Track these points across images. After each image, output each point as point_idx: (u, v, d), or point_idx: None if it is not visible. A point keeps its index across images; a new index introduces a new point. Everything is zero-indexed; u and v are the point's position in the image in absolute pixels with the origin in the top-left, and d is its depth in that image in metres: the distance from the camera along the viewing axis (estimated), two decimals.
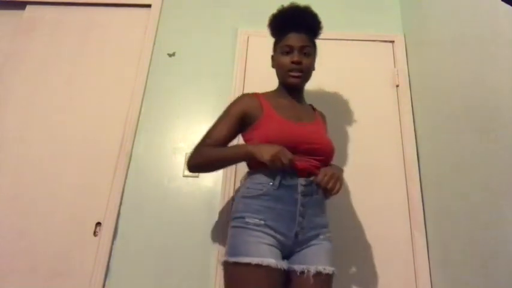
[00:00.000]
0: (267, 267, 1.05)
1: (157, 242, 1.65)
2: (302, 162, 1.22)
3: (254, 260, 1.06)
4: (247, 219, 1.16)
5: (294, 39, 1.35)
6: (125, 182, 1.75)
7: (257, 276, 1.05)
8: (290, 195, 1.20)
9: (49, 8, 2.19)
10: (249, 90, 1.88)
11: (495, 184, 1.10)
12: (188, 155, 1.33)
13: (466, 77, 1.32)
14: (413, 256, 1.59)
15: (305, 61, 1.34)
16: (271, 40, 1.71)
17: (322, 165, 1.27)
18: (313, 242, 1.19)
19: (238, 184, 1.73)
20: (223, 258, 1.15)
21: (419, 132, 1.75)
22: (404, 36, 2.00)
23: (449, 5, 1.51)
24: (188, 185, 1.75)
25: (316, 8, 1.96)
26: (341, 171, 1.35)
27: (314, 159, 1.25)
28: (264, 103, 1.32)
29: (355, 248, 1.62)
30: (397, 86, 1.89)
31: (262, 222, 1.14)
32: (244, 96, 1.38)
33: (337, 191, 1.20)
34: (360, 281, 1.58)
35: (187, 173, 1.77)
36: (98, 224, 1.70)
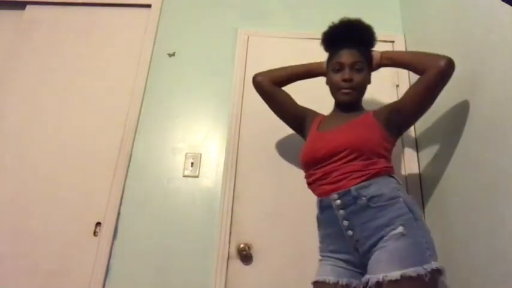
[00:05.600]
0: (323, 283, 1.16)
1: (157, 242, 1.65)
2: (320, 188, 1.24)
3: (315, 278, 1.20)
4: (319, 246, 1.28)
5: (345, 56, 1.32)
6: (124, 182, 1.75)
7: None
8: (331, 215, 1.19)
9: (49, 8, 2.19)
10: (249, 90, 1.88)
11: (495, 184, 1.10)
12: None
13: (466, 77, 1.32)
14: None
15: (356, 78, 1.31)
16: (271, 40, 1.73)
17: (351, 162, 1.18)
18: (376, 247, 1.09)
19: (238, 184, 1.73)
20: None
21: (419, 132, 1.75)
22: (404, 36, 2.00)
23: (449, 5, 1.51)
24: (188, 185, 1.75)
25: (316, 8, 1.97)
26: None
27: (336, 162, 1.21)
28: (316, 121, 1.42)
29: None
30: (397, 86, 1.89)
31: (325, 248, 1.24)
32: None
33: None
34: None
35: (187, 172, 1.77)
36: (98, 224, 1.70)
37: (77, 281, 1.60)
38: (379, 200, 1.13)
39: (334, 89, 1.35)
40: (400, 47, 1.97)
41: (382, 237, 1.08)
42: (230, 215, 1.66)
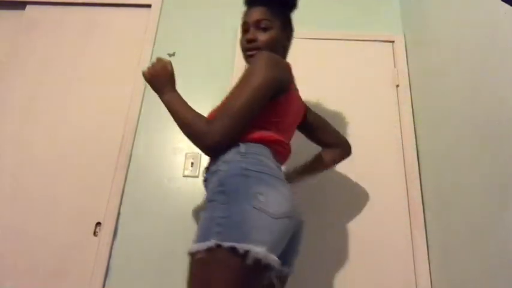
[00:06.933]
0: None
1: (157, 242, 1.65)
2: None
3: None
4: None
5: (249, 14, 1.20)
6: (125, 182, 1.75)
7: None
8: None
9: (49, 8, 2.19)
10: None
11: (495, 184, 1.10)
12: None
13: (466, 76, 1.32)
14: (413, 256, 1.59)
15: (261, 37, 1.16)
16: None
17: None
18: None
19: None
20: None
21: (419, 132, 1.75)
22: (404, 36, 2.00)
23: (449, 5, 1.51)
24: (188, 185, 1.75)
25: (316, 8, 1.96)
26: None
27: None
28: None
29: (355, 248, 1.62)
30: (397, 86, 1.89)
31: None
32: None
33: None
34: (360, 281, 1.58)
35: (187, 172, 1.77)
36: (98, 224, 1.70)
37: (77, 281, 1.60)
38: (207, 174, 1.08)
39: (242, 51, 1.23)
40: (400, 47, 1.97)
41: None
42: None
